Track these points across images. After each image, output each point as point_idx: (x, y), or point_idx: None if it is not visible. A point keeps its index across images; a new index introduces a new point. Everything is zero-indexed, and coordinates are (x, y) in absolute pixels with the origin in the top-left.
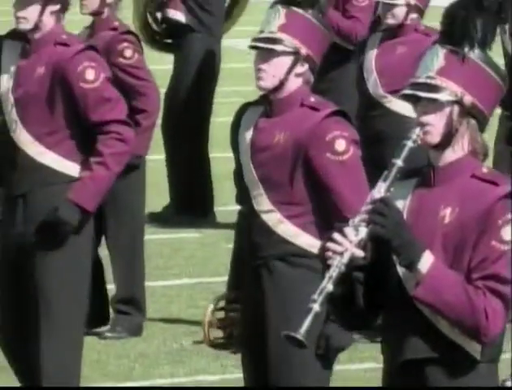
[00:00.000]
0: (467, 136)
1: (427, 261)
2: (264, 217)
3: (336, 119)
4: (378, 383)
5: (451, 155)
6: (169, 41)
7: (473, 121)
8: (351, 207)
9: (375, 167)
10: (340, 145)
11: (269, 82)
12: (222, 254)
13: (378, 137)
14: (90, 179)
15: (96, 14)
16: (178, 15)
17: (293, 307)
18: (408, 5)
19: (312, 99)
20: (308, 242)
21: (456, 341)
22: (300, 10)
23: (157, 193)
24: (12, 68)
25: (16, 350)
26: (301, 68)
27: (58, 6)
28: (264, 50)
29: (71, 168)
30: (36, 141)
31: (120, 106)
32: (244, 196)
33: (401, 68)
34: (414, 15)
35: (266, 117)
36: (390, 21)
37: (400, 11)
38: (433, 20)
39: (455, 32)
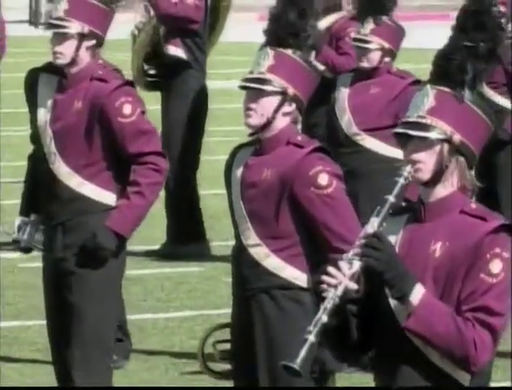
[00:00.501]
0: (457, 173)
1: (418, 293)
2: (251, 251)
3: (318, 155)
4: None
5: (441, 191)
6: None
7: (462, 158)
8: (339, 237)
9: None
10: (323, 179)
11: (257, 120)
12: (222, 287)
13: (351, 174)
14: (127, 207)
15: None
16: (179, 51)
17: (280, 337)
18: (382, 49)
19: (299, 138)
20: (293, 275)
21: (446, 370)
22: (288, 52)
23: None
24: (49, 102)
25: (58, 356)
26: (289, 108)
27: (93, 42)
28: (253, 90)
29: (108, 197)
30: (74, 173)
31: (155, 138)
32: (234, 231)
33: (374, 108)
34: (387, 59)
35: (255, 155)
36: (365, 65)
37: (374, 56)
38: (403, 61)
39: (450, 74)
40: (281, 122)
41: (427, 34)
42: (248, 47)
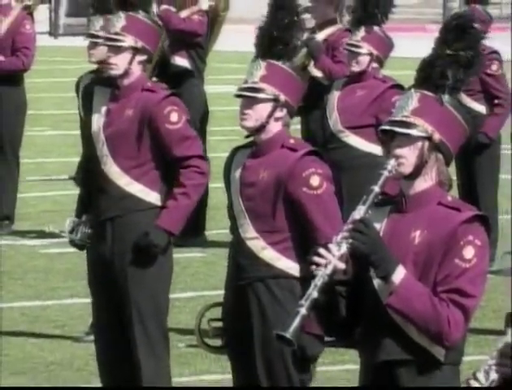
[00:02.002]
0: (435, 168)
1: (399, 274)
2: (249, 243)
3: (311, 158)
4: (357, 381)
5: (421, 185)
6: None
7: (440, 156)
8: (324, 235)
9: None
10: (315, 180)
11: (252, 123)
12: (222, 271)
13: (336, 167)
14: (175, 207)
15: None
16: (185, 62)
17: (273, 320)
18: (371, 54)
19: (291, 141)
20: (287, 265)
21: (423, 345)
22: (278, 63)
23: None
24: (103, 110)
25: (110, 350)
26: (281, 113)
27: (144, 57)
28: (248, 98)
29: (153, 197)
30: (124, 173)
31: (198, 143)
32: (232, 225)
33: (358, 108)
34: (374, 65)
35: (252, 157)
36: (355, 68)
37: (363, 59)
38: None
39: (432, 80)
40: (274, 126)
41: (405, 44)
42: (244, 55)
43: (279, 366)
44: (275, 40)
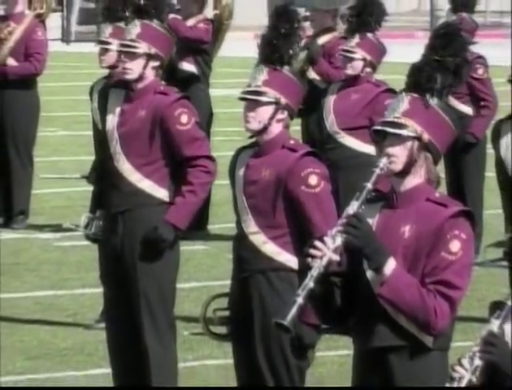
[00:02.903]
0: (424, 166)
1: (390, 265)
2: (251, 237)
3: (309, 158)
4: (349, 366)
5: (411, 182)
6: None
7: (429, 155)
8: (320, 231)
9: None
10: (313, 179)
11: (255, 125)
12: (224, 263)
13: (332, 166)
14: (183, 204)
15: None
16: (191, 67)
17: (272, 310)
18: (364, 60)
19: (291, 142)
20: (287, 258)
21: (412, 332)
22: (279, 68)
23: None
24: (117, 110)
25: (120, 337)
26: (282, 115)
27: (157, 63)
28: (251, 101)
29: (162, 193)
30: (135, 170)
31: (206, 144)
32: (236, 221)
33: (353, 111)
34: (368, 69)
35: (255, 157)
36: (349, 72)
37: (357, 64)
38: (386, 73)
39: (421, 84)
40: (276, 127)
41: (396, 50)
42: (244, 61)
43: (277, 352)
44: (275, 47)
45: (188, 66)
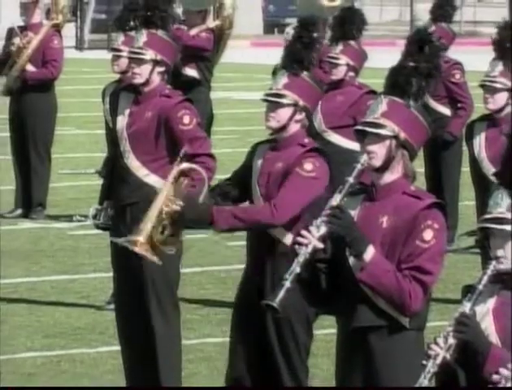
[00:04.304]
0: (401, 162)
1: (370, 252)
2: None
3: (313, 153)
4: (335, 343)
5: (389, 177)
6: None
7: (406, 152)
8: (275, 202)
9: None
10: (309, 165)
11: (274, 123)
12: (224, 250)
13: None
14: None
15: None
16: (194, 72)
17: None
18: (348, 65)
19: (306, 140)
20: (289, 240)
21: (389, 313)
22: (299, 73)
23: None
24: (126, 112)
25: (129, 318)
26: (300, 116)
27: (163, 68)
28: (272, 103)
29: None
30: (142, 166)
31: (207, 143)
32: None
33: (339, 111)
34: (351, 74)
35: (272, 150)
36: (334, 77)
37: (341, 70)
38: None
39: (398, 87)
40: (294, 127)
41: (379, 56)
42: (242, 66)
43: (288, 331)
44: (297, 54)
45: (191, 71)
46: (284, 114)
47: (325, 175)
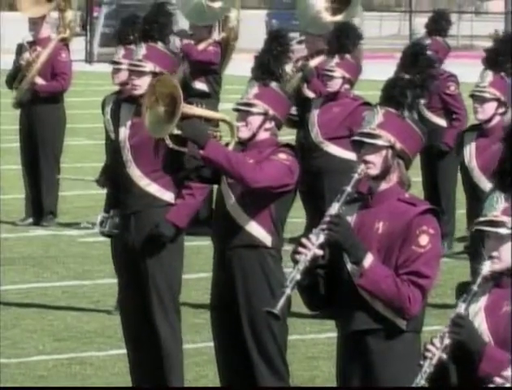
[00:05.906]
0: (397, 171)
1: (368, 259)
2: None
3: (284, 149)
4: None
5: (385, 185)
6: None
7: (401, 161)
8: (262, 168)
9: (314, 197)
10: (281, 157)
11: (246, 134)
12: None
13: (317, 172)
14: (182, 205)
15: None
16: (203, 85)
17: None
18: (343, 78)
19: (276, 141)
20: (253, 229)
21: (387, 316)
22: (269, 83)
23: None
24: (128, 123)
25: (133, 321)
26: (269, 125)
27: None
28: (243, 112)
29: (168, 196)
30: (144, 176)
31: None
32: None
33: (335, 122)
34: (346, 86)
35: (242, 152)
36: (329, 89)
37: (337, 82)
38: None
39: (393, 98)
40: (263, 135)
41: (377, 69)
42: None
43: (264, 325)
44: (267, 65)
45: (200, 85)
46: (254, 122)
47: (296, 168)
